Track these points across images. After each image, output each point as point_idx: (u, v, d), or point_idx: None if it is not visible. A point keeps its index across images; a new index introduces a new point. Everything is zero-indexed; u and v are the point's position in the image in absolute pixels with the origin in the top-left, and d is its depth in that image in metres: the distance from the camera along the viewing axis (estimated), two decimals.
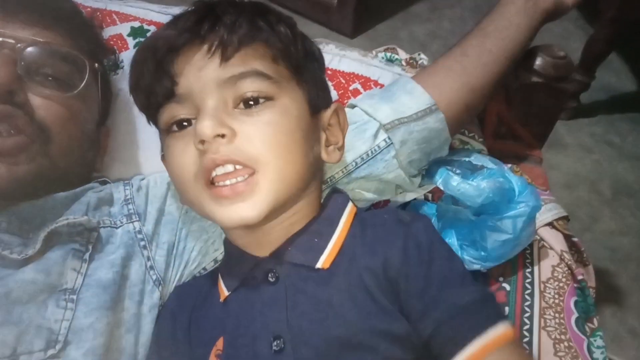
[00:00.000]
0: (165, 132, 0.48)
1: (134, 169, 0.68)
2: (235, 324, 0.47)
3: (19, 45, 0.51)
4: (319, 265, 0.46)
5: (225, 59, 0.44)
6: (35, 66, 0.52)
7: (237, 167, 0.43)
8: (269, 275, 0.47)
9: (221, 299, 0.49)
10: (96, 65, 0.59)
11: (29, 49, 0.52)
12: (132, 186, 0.58)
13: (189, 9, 0.48)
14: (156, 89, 0.46)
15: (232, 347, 0.45)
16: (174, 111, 0.46)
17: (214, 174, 0.43)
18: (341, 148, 0.52)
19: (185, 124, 0.46)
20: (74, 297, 0.47)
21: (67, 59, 0.55)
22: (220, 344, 0.46)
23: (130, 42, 0.75)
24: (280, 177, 0.44)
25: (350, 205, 0.52)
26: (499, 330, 0.40)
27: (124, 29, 0.76)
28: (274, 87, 0.46)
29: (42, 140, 0.52)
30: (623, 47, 1.79)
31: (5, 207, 0.50)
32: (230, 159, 0.43)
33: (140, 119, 0.69)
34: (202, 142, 0.43)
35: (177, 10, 0.80)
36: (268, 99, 0.45)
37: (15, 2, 0.53)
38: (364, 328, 0.42)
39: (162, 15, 0.78)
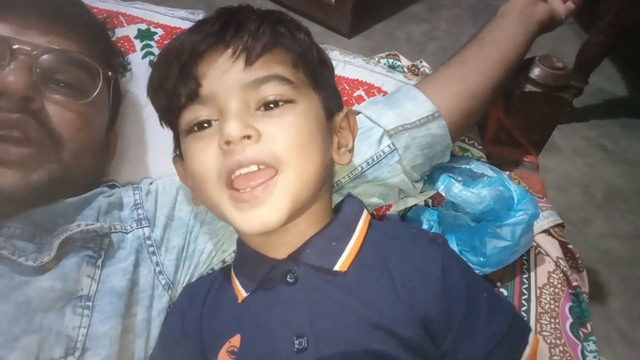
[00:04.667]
0: (186, 133, 0.49)
1: (141, 171, 0.68)
2: (253, 322, 0.47)
3: (34, 52, 0.51)
4: (337, 268, 0.48)
5: (249, 63, 0.46)
6: (50, 73, 0.53)
7: (261, 167, 0.45)
8: (288, 276, 0.48)
9: (239, 301, 0.50)
10: (109, 73, 0.60)
11: (45, 56, 0.52)
12: (141, 190, 0.59)
13: (212, 15, 0.49)
14: (180, 91, 0.47)
15: (250, 344, 0.46)
16: (196, 112, 0.47)
17: (237, 173, 0.44)
18: (351, 150, 0.54)
19: (205, 125, 0.47)
20: (90, 303, 0.47)
21: (82, 66, 0.56)
22: (235, 340, 0.47)
23: (137, 44, 0.75)
24: (300, 179, 0.46)
25: (365, 211, 0.54)
26: (530, 346, 0.47)
27: (131, 31, 0.76)
28: (294, 91, 0.47)
29: (54, 147, 0.52)
30: (616, 53, 1.82)
31: (18, 213, 0.50)
32: (256, 160, 0.44)
33: (149, 121, 0.70)
34: (228, 142, 0.44)
35: (183, 12, 0.81)
36: (288, 102, 0.47)
37: (31, 8, 0.53)
38: (386, 335, 0.44)
39: (168, 17, 0.79)
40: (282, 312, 0.46)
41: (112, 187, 0.60)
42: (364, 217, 0.53)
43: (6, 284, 0.45)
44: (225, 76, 0.46)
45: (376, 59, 0.90)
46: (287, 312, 0.46)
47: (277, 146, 0.45)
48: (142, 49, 0.75)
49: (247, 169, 0.44)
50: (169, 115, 0.52)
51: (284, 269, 0.48)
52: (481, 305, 0.47)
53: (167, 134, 0.55)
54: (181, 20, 0.79)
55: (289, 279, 0.48)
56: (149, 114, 0.68)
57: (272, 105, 0.46)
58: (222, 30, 0.46)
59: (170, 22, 0.78)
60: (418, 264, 0.48)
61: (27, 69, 0.50)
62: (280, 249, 0.50)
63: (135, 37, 0.76)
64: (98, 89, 0.56)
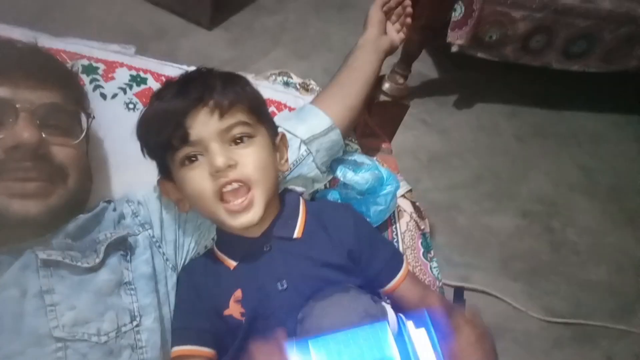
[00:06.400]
0: (180, 166, 0.68)
1: (106, 186, 0.84)
2: (248, 279, 0.71)
3: (33, 108, 0.64)
4: (295, 235, 0.74)
5: (222, 115, 0.67)
6: (47, 121, 0.66)
7: (240, 184, 0.67)
8: (265, 246, 0.73)
9: (232, 268, 0.73)
10: (86, 113, 0.74)
11: (42, 109, 0.64)
12: (133, 202, 0.76)
13: (188, 78, 0.71)
14: (175, 138, 0.66)
15: (249, 292, 0.70)
16: (188, 151, 0.67)
17: (224, 190, 0.67)
18: (287, 160, 0.80)
19: (193, 159, 0.68)
20: (133, 286, 0.67)
21: (70, 113, 0.70)
22: (238, 293, 0.70)
23: (85, 78, 0.86)
24: (266, 189, 0.70)
25: (301, 198, 0.82)
26: (405, 267, 0.79)
27: (75, 67, 0.86)
28: (253, 129, 0.70)
29: (62, 178, 0.67)
30: (429, 45, 2.31)
31: (49, 232, 0.65)
32: (236, 180, 0.67)
33: (106, 142, 0.85)
34: (217, 170, 0.65)
35: (116, 46, 0.95)
36: (250, 137, 0.70)
37: (20, 70, 0.65)
38: (331, 268, 0.72)
39: (103, 51, 0.91)
40: (266, 269, 0.71)
41: (109, 202, 0.77)
42: (302, 201, 0.81)
43: (73, 281, 0.62)
44: (207, 125, 0.66)
45: (269, 74, 1.15)
46: (270, 268, 0.71)
47: (249, 169, 0.68)
48: (90, 82, 0.87)
49: (231, 186, 0.67)
50: (159, 153, 0.71)
51: (260, 242, 0.73)
52: (378, 241, 0.81)
53: (123, 152, 0.76)
54: (115, 53, 0.92)
55: (265, 248, 0.73)
56: (105, 135, 0.84)
57: (239, 141, 0.68)
58: (200, 93, 0.66)
59: (106, 56, 0.90)
60: (340, 221, 0.78)
61: (33, 124, 0.63)
62: (254, 232, 0.74)
63: (82, 72, 0.86)
64: (86, 129, 0.72)
